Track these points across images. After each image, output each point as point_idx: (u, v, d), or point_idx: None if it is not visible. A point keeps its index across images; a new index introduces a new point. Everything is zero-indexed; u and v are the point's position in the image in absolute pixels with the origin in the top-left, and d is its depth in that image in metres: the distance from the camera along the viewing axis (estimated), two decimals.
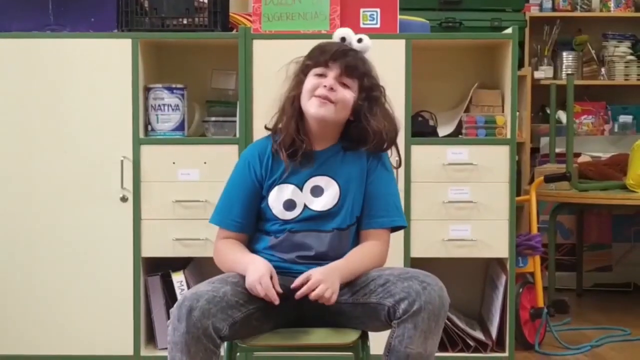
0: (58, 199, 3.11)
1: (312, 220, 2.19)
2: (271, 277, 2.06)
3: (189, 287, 3.13)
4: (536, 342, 3.51)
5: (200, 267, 3.29)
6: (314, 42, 2.29)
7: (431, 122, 3.29)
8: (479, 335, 3.20)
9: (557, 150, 4.44)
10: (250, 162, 2.25)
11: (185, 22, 3.17)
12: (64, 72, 3.11)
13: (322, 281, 2.04)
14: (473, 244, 3.12)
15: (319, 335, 2.12)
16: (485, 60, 3.41)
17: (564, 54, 5.19)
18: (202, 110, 3.36)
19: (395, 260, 2.90)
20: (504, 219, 3.12)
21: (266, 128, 2.30)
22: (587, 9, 5.25)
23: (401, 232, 2.74)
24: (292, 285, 2.06)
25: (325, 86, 2.15)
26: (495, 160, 3.11)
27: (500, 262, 3.24)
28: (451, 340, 3.15)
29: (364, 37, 2.25)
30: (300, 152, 2.18)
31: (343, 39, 2.25)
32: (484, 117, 3.19)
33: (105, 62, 3.10)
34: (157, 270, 3.19)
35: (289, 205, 2.20)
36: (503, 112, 3.23)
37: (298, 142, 2.18)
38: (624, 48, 5.22)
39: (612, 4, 5.22)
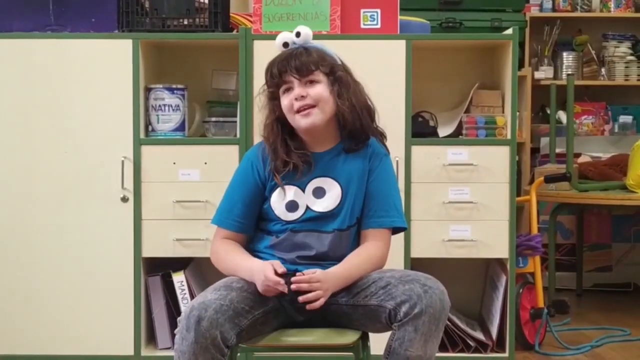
0: (59, 199, 3.12)
1: (314, 221, 2.19)
2: (276, 274, 2.07)
3: (189, 287, 3.13)
4: (536, 343, 3.51)
5: (201, 268, 3.29)
6: (314, 42, 2.29)
7: (431, 123, 3.30)
8: (479, 335, 3.20)
9: (557, 150, 4.44)
10: (253, 163, 2.25)
11: (185, 22, 3.18)
12: (65, 73, 3.11)
13: (321, 287, 2.05)
14: (473, 245, 3.12)
15: (320, 336, 2.12)
16: (486, 60, 3.41)
17: (564, 54, 5.19)
18: (202, 110, 3.37)
19: (395, 260, 2.91)
20: (504, 219, 3.12)
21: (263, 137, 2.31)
22: (587, 9, 5.26)
23: (401, 233, 2.74)
24: (296, 279, 2.05)
25: (296, 99, 2.15)
26: (495, 161, 3.12)
27: (500, 262, 3.24)
28: (451, 340, 3.15)
29: (301, 28, 2.22)
30: (297, 165, 2.17)
31: (285, 44, 2.22)
32: (484, 117, 3.20)
33: (106, 63, 3.11)
34: (157, 270, 3.19)
35: (292, 206, 2.20)
36: (503, 112, 3.23)
37: (290, 159, 2.18)
38: (624, 48, 5.22)
39: (612, 5, 5.22)
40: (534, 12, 5.16)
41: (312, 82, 2.16)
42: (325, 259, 2.15)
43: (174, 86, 3.16)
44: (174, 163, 3.11)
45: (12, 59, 3.12)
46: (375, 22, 3.16)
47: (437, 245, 3.12)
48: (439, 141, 3.19)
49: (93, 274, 3.12)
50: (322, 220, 2.19)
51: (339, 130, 2.23)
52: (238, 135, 3.13)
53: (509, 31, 3.16)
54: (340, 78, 2.19)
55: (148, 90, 3.15)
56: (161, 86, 3.15)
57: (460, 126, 3.26)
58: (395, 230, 2.27)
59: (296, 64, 2.15)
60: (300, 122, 2.16)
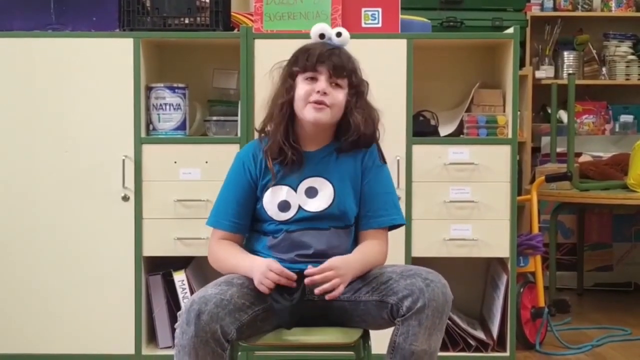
0: (59, 198, 3.12)
1: (307, 221, 2.19)
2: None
3: (190, 286, 3.14)
4: (537, 342, 3.51)
5: (202, 266, 3.29)
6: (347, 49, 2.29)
7: (432, 122, 3.30)
8: (480, 334, 3.20)
9: (558, 149, 4.44)
10: (244, 163, 2.25)
11: (186, 21, 3.18)
12: (66, 72, 3.11)
13: (338, 274, 2.04)
14: (474, 244, 3.12)
15: (320, 335, 2.12)
16: (487, 59, 3.41)
17: (565, 53, 5.19)
18: (203, 109, 3.37)
19: (396, 259, 2.89)
20: (505, 218, 3.12)
21: (256, 130, 2.31)
22: (588, 8, 5.26)
23: (402, 232, 2.75)
24: (308, 271, 2.04)
25: (318, 92, 2.15)
26: (496, 160, 3.12)
27: (501, 261, 3.24)
28: (452, 339, 3.15)
29: (342, 30, 2.24)
30: (288, 158, 2.18)
31: (322, 35, 2.23)
32: (485, 116, 3.20)
33: (107, 62, 3.11)
34: (158, 269, 3.20)
35: (284, 206, 2.20)
36: (504, 111, 3.23)
37: (286, 148, 2.18)
38: (625, 48, 5.22)
39: (613, 4, 5.22)
40: (534, 11, 5.16)
41: (337, 85, 2.18)
42: (324, 257, 2.14)
43: (175, 85, 3.16)
44: (175, 162, 3.11)
45: (13, 58, 3.12)
46: (376, 21, 3.16)
47: (438, 244, 3.12)
48: (440, 140, 3.19)
49: (94, 273, 3.12)
50: (315, 220, 2.19)
51: (333, 134, 2.24)
52: (239, 135, 3.13)
53: (510, 30, 3.16)
54: (363, 94, 2.23)
55: (149, 89, 3.15)
56: (162, 85, 3.15)
57: (461, 125, 3.26)
58: (393, 226, 2.27)
59: (336, 62, 2.17)
60: (309, 113, 2.16)
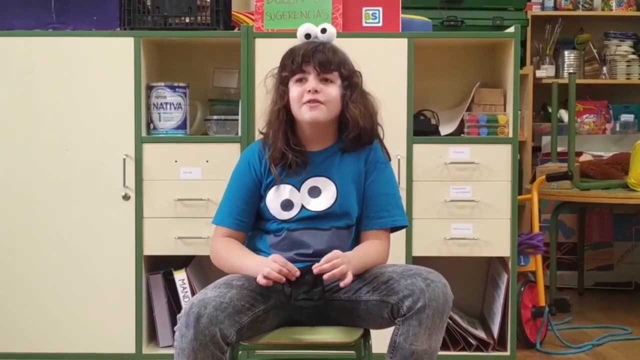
0: (60, 197, 3.12)
1: (310, 220, 2.19)
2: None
3: (191, 285, 3.14)
4: (538, 341, 3.51)
5: (202, 265, 3.30)
6: (335, 43, 2.28)
7: (433, 121, 3.30)
8: (480, 334, 3.21)
9: (559, 149, 4.44)
10: (250, 161, 2.26)
11: (187, 20, 3.18)
12: (66, 71, 3.11)
13: (343, 261, 2.04)
14: (475, 243, 3.12)
15: (321, 334, 2.12)
16: (487, 59, 3.41)
17: (566, 52, 5.19)
18: (204, 108, 3.37)
19: (397, 259, 2.90)
20: (506, 217, 3.12)
21: (260, 132, 2.31)
22: (588, 8, 5.26)
23: (403, 231, 2.73)
24: (314, 266, 2.04)
25: (309, 91, 2.15)
26: (497, 159, 3.12)
27: (501, 260, 3.24)
28: (453, 339, 3.15)
29: (327, 25, 2.23)
30: (292, 161, 2.18)
31: (308, 35, 2.23)
32: (486, 115, 3.20)
33: (108, 61, 3.11)
34: (159, 268, 3.20)
35: (287, 205, 2.20)
36: (505, 110, 3.23)
37: (288, 153, 2.18)
38: (625, 47, 5.22)
39: (613, 3, 5.22)
40: (535, 10, 5.15)
41: (327, 80, 2.18)
42: (323, 257, 2.14)
43: (175, 84, 3.16)
44: (176, 161, 3.11)
45: (13, 57, 3.12)
46: (377, 21, 3.16)
47: (439, 243, 3.12)
48: (440, 139, 3.19)
49: (94, 272, 3.13)
50: (318, 220, 2.19)
51: (337, 132, 2.24)
52: (240, 134, 3.13)
53: (511, 29, 3.16)
54: (356, 85, 2.22)
55: (150, 88, 3.15)
56: (163, 84, 3.15)
57: (461, 124, 3.26)
58: (396, 228, 2.27)
59: (321, 58, 2.16)
60: (306, 113, 2.17)
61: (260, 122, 2.31)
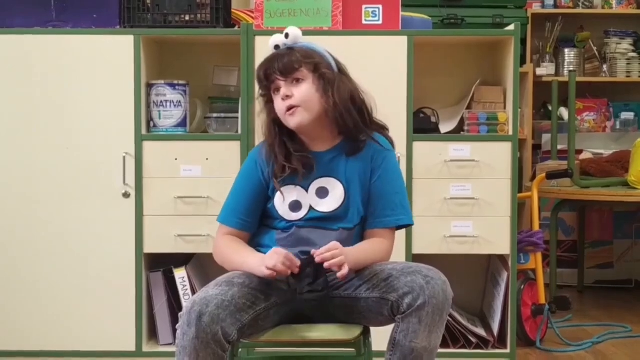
0: (60, 195, 3.12)
1: (318, 220, 2.19)
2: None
3: (191, 283, 3.14)
4: (538, 339, 3.51)
5: (203, 263, 3.30)
6: (315, 39, 2.28)
7: (433, 119, 3.29)
8: (480, 331, 3.21)
9: (559, 147, 4.44)
10: (257, 161, 2.25)
11: (187, 18, 3.18)
12: (66, 69, 3.11)
13: (342, 252, 2.03)
14: (475, 241, 3.12)
15: (321, 332, 2.12)
16: (487, 57, 3.41)
17: (566, 50, 5.19)
18: (204, 106, 3.37)
19: (397, 257, 2.88)
20: (506, 215, 3.12)
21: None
22: (589, 5, 5.26)
23: (403, 229, 2.73)
24: (315, 252, 2.03)
25: (282, 99, 2.15)
26: (497, 157, 3.12)
27: (501, 258, 3.24)
28: (453, 336, 3.16)
29: (289, 29, 2.20)
30: (297, 169, 2.17)
31: (277, 47, 2.21)
32: (486, 113, 3.20)
33: (108, 59, 3.11)
34: (159, 266, 3.20)
35: (295, 206, 2.20)
36: (505, 108, 3.23)
37: (292, 162, 2.17)
38: (626, 45, 5.21)
39: (614, 1, 5.22)
40: (535, 8, 5.16)
41: (298, 80, 2.16)
42: None
43: (175, 82, 3.16)
44: (176, 159, 3.11)
45: (13, 55, 3.12)
46: (376, 18, 3.16)
47: (439, 241, 3.12)
48: (440, 137, 3.19)
49: (94, 270, 3.13)
50: (326, 221, 2.19)
51: (337, 128, 2.22)
52: (239, 132, 3.13)
53: (511, 27, 3.15)
54: (324, 75, 2.17)
55: (150, 86, 3.15)
56: (163, 82, 3.15)
57: (462, 122, 3.26)
58: (400, 227, 2.27)
59: (279, 65, 2.15)
60: (289, 122, 2.17)
61: (259, 121, 2.31)
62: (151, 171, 3.11)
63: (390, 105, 3.03)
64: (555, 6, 5.21)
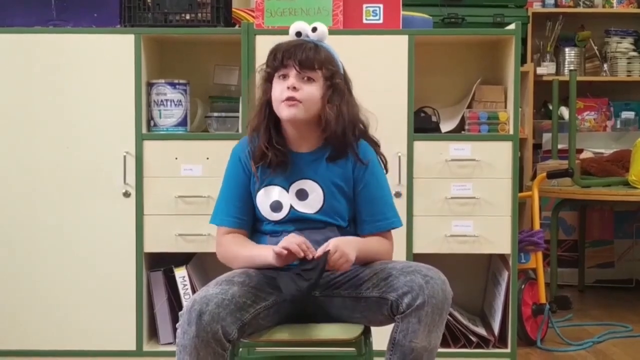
0: (61, 194, 3.12)
1: (300, 222, 2.18)
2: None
3: (191, 283, 3.14)
4: (538, 338, 3.51)
5: (203, 263, 3.30)
6: (326, 43, 2.27)
7: (434, 118, 3.29)
8: (481, 331, 3.20)
9: (560, 146, 4.44)
10: (241, 158, 2.24)
11: (187, 17, 3.18)
12: (67, 68, 3.11)
13: (338, 247, 2.04)
14: (475, 240, 3.12)
15: (322, 331, 2.12)
16: (488, 56, 3.41)
17: (567, 50, 5.19)
18: (204, 105, 3.37)
19: (397, 256, 2.87)
20: (507, 215, 3.12)
21: (247, 126, 2.29)
22: (589, 5, 5.26)
23: (403, 228, 2.73)
24: (317, 254, 2.04)
25: (288, 87, 2.13)
26: (497, 156, 3.11)
27: (502, 258, 3.24)
28: (453, 336, 3.15)
29: (318, 24, 2.19)
30: (272, 160, 2.16)
31: (299, 34, 2.20)
32: (487, 113, 3.19)
33: (108, 58, 3.10)
34: (159, 265, 3.20)
35: (276, 207, 2.19)
36: (506, 108, 3.22)
37: (268, 151, 2.16)
38: (626, 44, 5.21)
39: (614, 0, 5.22)
40: (536, 7, 5.15)
41: (309, 79, 2.14)
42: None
43: (176, 81, 3.15)
44: (176, 158, 3.11)
45: (14, 54, 3.12)
46: (377, 17, 3.16)
47: (440, 240, 3.12)
48: (441, 136, 3.19)
49: (95, 269, 3.13)
50: (308, 222, 2.18)
51: (322, 133, 2.19)
52: (240, 131, 3.13)
53: (512, 26, 3.15)
54: (337, 85, 2.16)
55: (150, 85, 3.15)
56: (163, 81, 3.15)
57: (462, 121, 3.25)
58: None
59: (302, 56, 2.13)
60: (283, 111, 2.14)
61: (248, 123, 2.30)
62: (152, 170, 3.11)
63: (390, 104, 3.04)
64: (556, 5, 5.20)
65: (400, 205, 2.63)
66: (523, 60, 4.69)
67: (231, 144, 3.04)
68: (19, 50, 3.11)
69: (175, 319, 3.00)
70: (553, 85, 4.42)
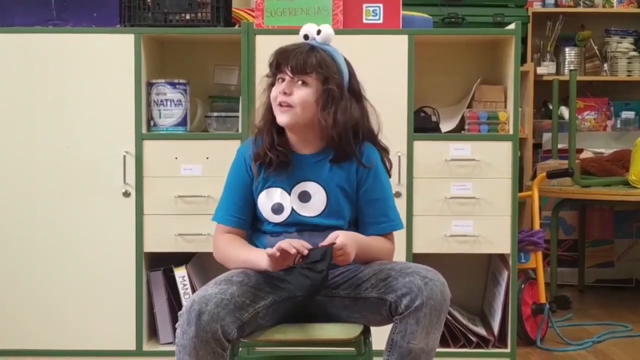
0: (60, 194, 3.12)
1: (301, 224, 2.18)
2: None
3: (191, 282, 3.14)
4: (538, 338, 3.51)
5: (203, 262, 3.30)
6: (330, 46, 2.27)
7: (434, 118, 3.29)
8: (480, 330, 3.21)
9: (560, 146, 4.44)
10: (245, 158, 2.24)
11: (187, 17, 3.18)
12: (67, 68, 3.11)
13: (343, 244, 2.04)
14: (475, 240, 3.12)
15: (321, 331, 2.12)
16: (488, 55, 3.41)
17: (567, 49, 5.18)
18: (204, 105, 3.37)
19: (397, 256, 2.87)
20: (506, 214, 3.12)
21: (254, 127, 2.30)
22: (589, 4, 5.25)
23: (403, 228, 2.74)
24: (321, 244, 2.04)
25: (280, 92, 2.13)
26: (497, 156, 3.11)
27: (502, 257, 3.24)
28: (453, 335, 3.16)
29: (324, 27, 2.18)
30: (274, 161, 2.16)
31: (306, 36, 2.20)
32: (487, 112, 3.19)
33: (108, 58, 3.11)
34: (159, 265, 3.20)
35: (277, 209, 2.19)
36: (506, 107, 3.22)
37: (270, 153, 2.16)
38: (626, 44, 5.21)
39: (614, 0, 5.21)
40: (536, 7, 5.15)
41: (303, 83, 2.13)
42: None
43: (175, 81, 3.15)
44: (176, 158, 3.11)
45: (13, 53, 3.12)
46: (377, 17, 3.16)
47: (439, 240, 3.12)
48: (441, 136, 3.19)
49: (95, 269, 3.13)
50: (308, 225, 2.18)
51: (324, 136, 2.18)
52: (240, 130, 3.13)
53: (512, 26, 3.15)
54: (330, 91, 2.13)
55: (150, 85, 3.15)
56: (163, 81, 3.15)
57: (462, 121, 3.25)
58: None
59: (293, 62, 2.12)
60: (278, 115, 2.15)
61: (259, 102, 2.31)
62: (151, 170, 3.11)
63: (390, 104, 3.04)
64: (556, 5, 5.20)
65: (400, 205, 2.63)
66: (523, 60, 4.69)
67: (231, 144, 3.09)
68: (19, 50, 3.11)
69: (175, 319, 2.99)
70: (553, 85, 4.42)
